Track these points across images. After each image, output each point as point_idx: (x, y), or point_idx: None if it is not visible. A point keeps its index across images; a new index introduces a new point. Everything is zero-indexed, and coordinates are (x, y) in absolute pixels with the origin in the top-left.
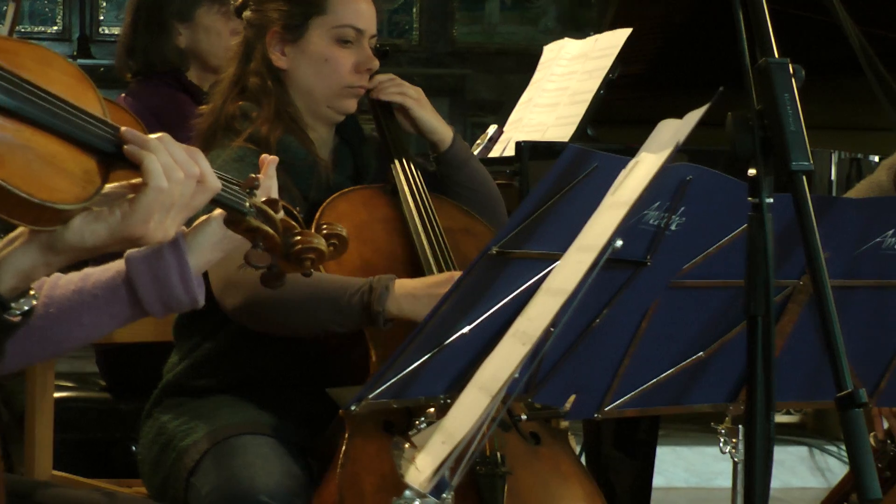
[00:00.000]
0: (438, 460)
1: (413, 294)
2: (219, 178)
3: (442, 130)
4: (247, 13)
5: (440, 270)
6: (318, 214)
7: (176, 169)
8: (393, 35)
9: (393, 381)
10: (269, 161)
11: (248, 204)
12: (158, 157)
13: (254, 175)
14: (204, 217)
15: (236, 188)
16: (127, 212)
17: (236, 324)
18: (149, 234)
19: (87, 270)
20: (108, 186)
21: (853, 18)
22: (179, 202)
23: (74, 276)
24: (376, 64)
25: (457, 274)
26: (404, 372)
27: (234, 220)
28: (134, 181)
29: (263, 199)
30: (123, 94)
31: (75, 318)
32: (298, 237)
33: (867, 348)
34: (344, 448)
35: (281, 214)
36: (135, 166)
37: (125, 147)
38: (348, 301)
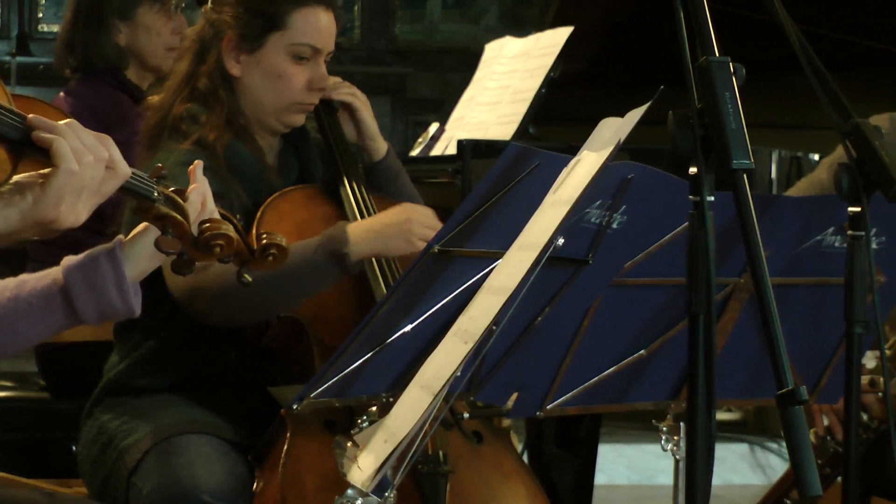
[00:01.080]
0: (381, 459)
1: (371, 229)
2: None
3: (379, 140)
4: (207, 9)
5: (381, 268)
6: (258, 214)
7: (85, 152)
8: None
9: (335, 379)
10: (197, 166)
11: (156, 192)
12: (68, 140)
13: (160, 164)
14: (141, 227)
15: (145, 177)
16: (38, 195)
17: (178, 322)
18: (60, 217)
19: (23, 277)
20: (18, 176)
21: (793, 18)
22: (90, 186)
23: (10, 283)
24: (329, 82)
25: (409, 206)
26: (346, 371)
27: (144, 207)
28: (43, 171)
29: (172, 188)
30: (62, 94)
31: (9, 325)
32: (207, 224)
33: (807, 345)
34: (286, 447)
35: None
36: (45, 154)
37: (34, 133)
38: (313, 259)
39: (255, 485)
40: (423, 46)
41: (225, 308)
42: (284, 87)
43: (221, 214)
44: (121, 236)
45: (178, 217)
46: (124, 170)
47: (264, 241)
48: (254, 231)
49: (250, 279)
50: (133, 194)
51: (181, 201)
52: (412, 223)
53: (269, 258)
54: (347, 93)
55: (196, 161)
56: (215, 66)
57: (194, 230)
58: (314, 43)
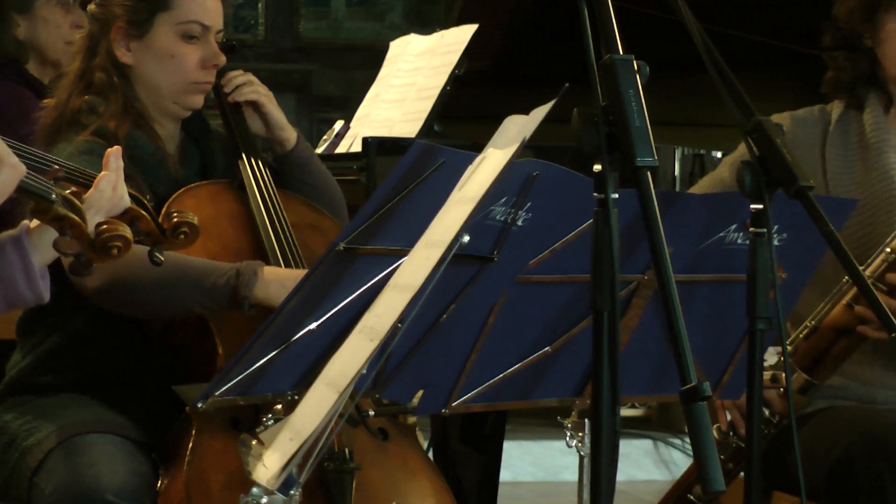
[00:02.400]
0: (286, 457)
1: (281, 281)
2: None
3: (288, 129)
4: (91, 7)
5: (287, 266)
6: (164, 209)
7: None
8: (239, 30)
9: (240, 377)
10: (111, 154)
11: (54, 194)
12: None
13: (58, 166)
14: None
15: (42, 178)
16: None
17: (82, 318)
18: None
19: None
20: None
21: (696, 16)
22: None
23: None
24: (223, 59)
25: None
26: (251, 369)
27: (41, 209)
28: None
29: (69, 189)
30: None
31: None
32: (105, 226)
33: (710, 342)
34: (190, 445)
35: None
36: None
37: None
38: (214, 283)
39: (159, 483)
40: (328, 44)
41: (112, 293)
42: (177, 67)
43: (132, 196)
44: (26, 221)
45: (76, 219)
46: (19, 165)
47: (175, 220)
48: (164, 210)
49: (163, 258)
50: (30, 195)
51: (79, 203)
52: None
53: (181, 237)
54: (249, 92)
55: (112, 149)
56: (107, 59)
57: (92, 232)
58: (201, 20)
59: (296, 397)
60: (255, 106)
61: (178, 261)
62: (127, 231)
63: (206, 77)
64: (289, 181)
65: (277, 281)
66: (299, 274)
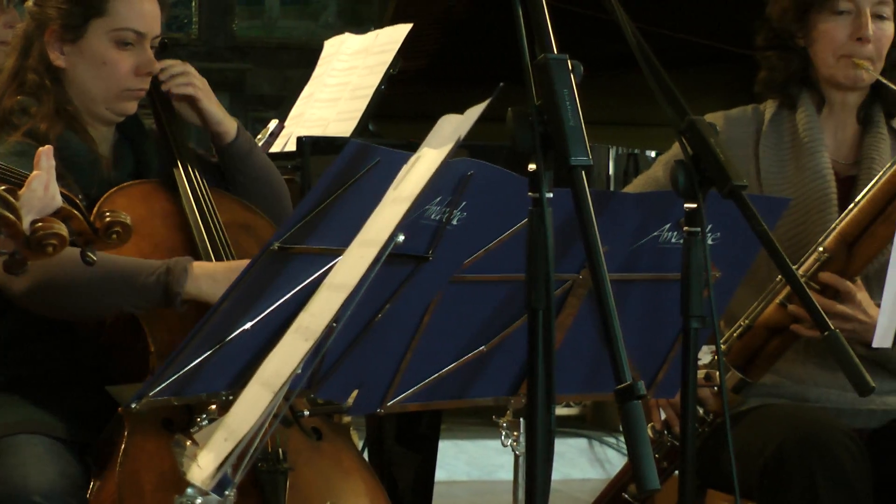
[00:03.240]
0: (220, 457)
1: (212, 276)
2: None
3: (227, 122)
4: (29, 4)
5: None
6: (96, 209)
7: None
8: (172, 29)
9: (173, 378)
10: (42, 153)
11: None
12: None
13: None
14: None
15: None
16: None
17: (12, 318)
18: None
19: None
20: None
21: (630, 15)
22: None
23: None
24: (157, 67)
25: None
26: (185, 369)
27: None
28: None
29: (2, 188)
30: None
31: None
32: (39, 223)
33: (645, 340)
34: (123, 446)
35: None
36: None
37: None
38: (145, 281)
39: (91, 484)
40: (262, 43)
41: (40, 294)
42: (110, 74)
43: (64, 196)
44: None
45: (11, 217)
46: None
47: (107, 219)
48: (96, 209)
49: (95, 258)
50: None
51: (13, 200)
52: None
53: (114, 236)
54: (182, 83)
55: (42, 149)
56: (40, 60)
57: (27, 230)
58: (136, 27)
59: (230, 397)
60: (190, 100)
61: (108, 261)
62: (63, 229)
63: (140, 84)
64: (230, 172)
65: (208, 276)
66: (230, 266)
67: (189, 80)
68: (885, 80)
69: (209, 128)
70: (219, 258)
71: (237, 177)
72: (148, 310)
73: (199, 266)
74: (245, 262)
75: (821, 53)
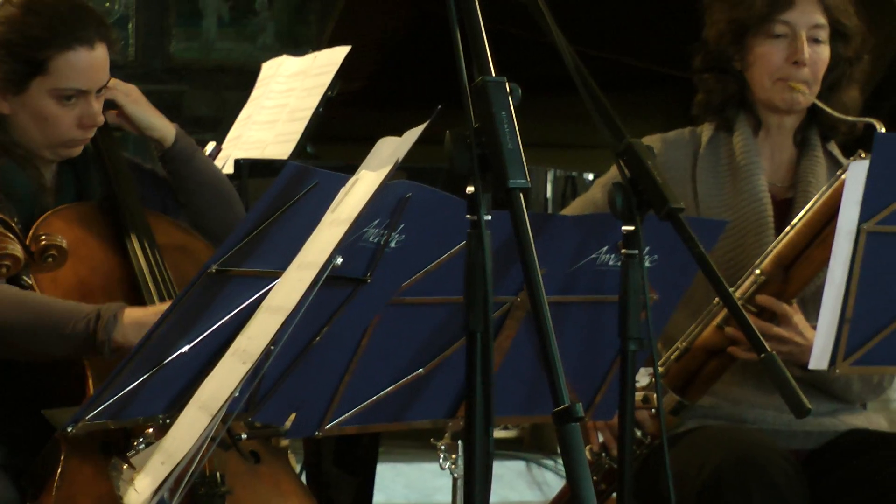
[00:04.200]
0: (158, 481)
1: (140, 322)
2: None
3: (162, 127)
4: None
5: (157, 288)
6: (31, 232)
7: None
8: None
9: (110, 401)
10: None
11: None
12: None
13: None
14: None
15: None
16: None
17: None
18: None
19: None
20: None
21: (568, 38)
22: None
23: None
24: (101, 119)
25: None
26: (122, 392)
27: None
28: None
29: None
30: None
31: None
32: None
33: (583, 363)
34: (60, 470)
35: None
36: None
37: None
38: (73, 328)
39: None
40: (200, 64)
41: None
42: (52, 129)
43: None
44: None
45: None
46: None
47: (43, 243)
48: (31, 233)
49: (31, 282)
50: None
51: None
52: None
53: (49, 259)
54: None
55: None
56: None
57: None
58: (79, 86)
59: (167, 421)
60: (119, 114)
61: (38, 304)
62: (18, 249)
63: (84, 135)
64: (177, 181)
65: (137, 325)
66: (160, 312)
67: (111, 88)
68: (820, 104)
69: (145, 135)
70: (155, 281)
71: (183, 183)
72: (75, 356)
73: (129, 314)
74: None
75: (757, 76)
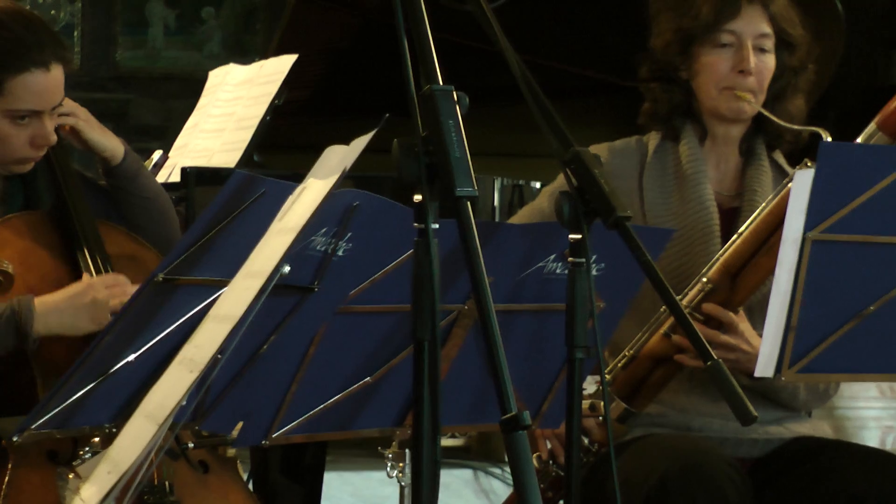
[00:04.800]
0: (104, 490)
1: (57, 308)
2: None
3: (112, 146)
4: None
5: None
6: None
7: None
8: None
9: (57, 410)
10: None
11: None
12: None
13: None
14: None
15: None
16: None
17: None
18: None
19: None
20: None
21: (514, 47)
22: None
23: None
24: (53, 139)
25: (93, 282)
26: (69, 401)
27: None
28: None
29: None
30: None
31: None
32: None
33: (530, 371)
34: (7, 479)
35: None
36: None
37: None
38: None
39: None
40: (146, 73)
41: None
42: (4, 148)
43: None
44: None
45: None
46: None
47: None
48: None
49: None
50: None
51: None
52: (97, 301)
53: None
54: (64, 114)
55: None
56: None
57: None
58: (33, 107)
59: (114, 430)
60: (71, 130)
61: None
62: None
63: (35, 154)
64: (118, 194)
65: (54, 310)
66: (70, 294)
67: (68, 110)
68: (766, 113)
69: (96, 154)
70: None
71: (126, 198)
72: (3, 353)
73: (41, 302)
74: (83, 287)
75: (704, 85)
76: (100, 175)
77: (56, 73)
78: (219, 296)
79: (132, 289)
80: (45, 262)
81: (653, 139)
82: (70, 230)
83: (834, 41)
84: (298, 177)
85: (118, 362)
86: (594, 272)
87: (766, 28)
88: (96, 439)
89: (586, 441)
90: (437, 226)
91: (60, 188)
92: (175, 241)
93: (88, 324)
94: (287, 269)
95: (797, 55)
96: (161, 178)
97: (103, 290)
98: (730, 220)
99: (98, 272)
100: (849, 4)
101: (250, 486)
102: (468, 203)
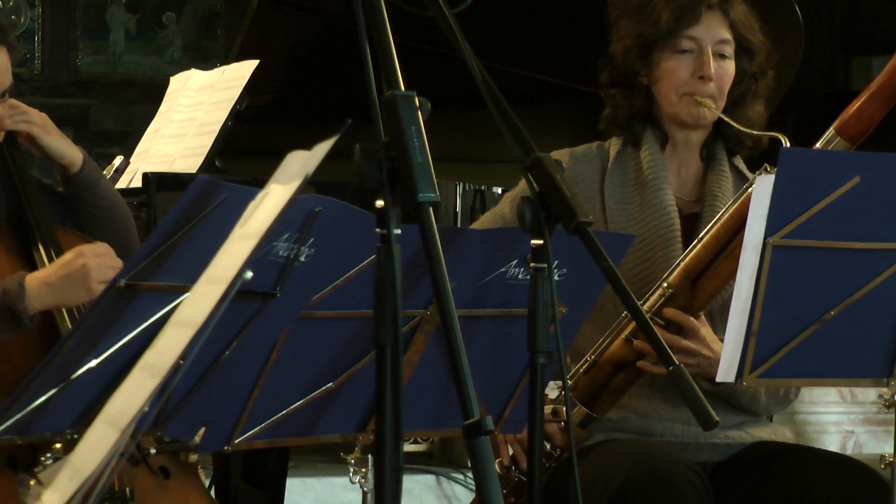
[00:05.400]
0: (65, 497)
1: (48, 283)
2: None
3: (71, 154)
4: None
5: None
6: None
7: None
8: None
9: (17, 416)
10: None
11: None
12: None
13: None
14: None
15: None
16: None
17: None
18: None
19: None
20: None
21: (476, 53)
22: None
23: None
24: (7, 123)
25: (83, 249)
26: (30, 407)
27: None
28: None
29: None
30: None
31: None
32: None
33: (492, 376)
34: None
35: None
36: None
37: None
38: None
39: None
40: (107, 78)
41: None
42: None
43: None
44: None
45: None
46: None
47: None
48: None
49: None
50: None
51: None
52: (88, 269)
53: None
54: (21, 120)
55: None
56: None
57: None
58: None
59: (75, 436)
60: (28, 137)
61: None
62: None
63: None
64: (76, 203)
65: (44, 285)
66: (61, 265)
67: (26, 117)
68: (726, 118)
69: (54, 162)
70: None
71: (83, 207)
72: (4, 337)
73: (31, 278)
74: (71, 256)
75: (664, 91)
76: (58, 182)
77: (3, 55)
78: (181, 301)
79: (120, 262)
80: (4, 268)
81: (614, 145)
82: (28, 236)
83: (793, 47)
84: (260, 182)
85: (80, 368)
86: (556, 277)
87: (726, 34)
88: (58, 445)
89: (548, 446)
90: (399, 231)
91: (19, 195)
92: (134, 250)
93: (82, 294)
94: (249, 274)
95: (756, 61)
96: (122, 183)
97: (93, 259)
98: (691, 226)
99: None
100: (808, 11)
101: (212, 492)
102: (430, 208)
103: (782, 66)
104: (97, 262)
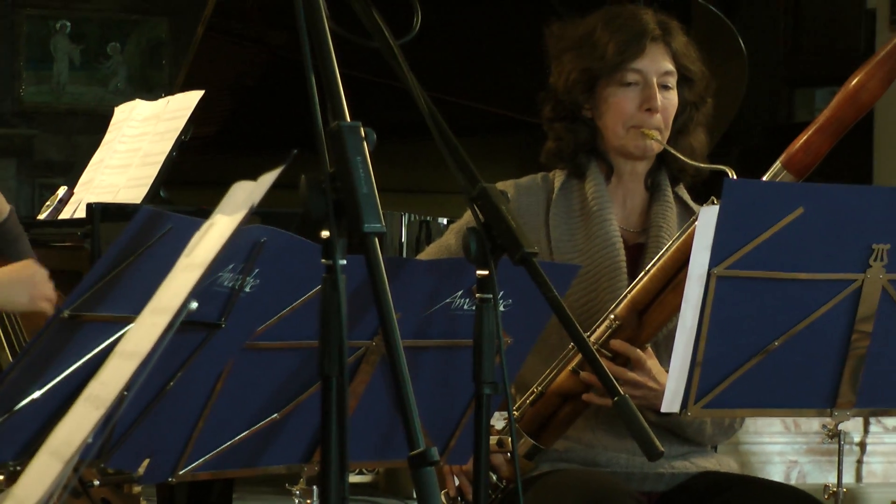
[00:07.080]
0: None
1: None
2: None
3: None
4: None
5: (6, 335)
6: None
7: None
8: None
9: None
10: None
11: None
12: None
13: None
14: None
15: None
16: None
17: None
18: None
19: None
20: None
21: (421, 83)
22: None
23: None
24: None
25: (32, 263)
26: None
27: None
28: None
29: None
30: None
31: None
32: None
33: (438, 407)
34: None
35: None
36: None
37: None
38: None
39: None
40: (50, 108)
41: None
42: None
43: None
44: None
45: None
46: None
47: None
48: None
49: None
50: None
51: None
52: (36, 280)
53: None
54: None
55: None
56: None
57: None
58: None
59: (18, 468)
60: None
61: None
62: None
63: None
64: None
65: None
66: (14, 268)
67: None
68: (672, 150)
69: None
70: (4, 328)
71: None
72: None
73: None
74: (18, 266)
75: (610, 124)
76: None
77: None
78: (125, 332)
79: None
80: None
81: (558, 176)
82: None
83: (737, 79)
84: (205, 213)
85: (23, 399)
86: (501, 308)
87: (669, 65)
88: (0, 477)
89: (494, 477)
90: (344, 262)
91: None
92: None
93: (24, 300)
94: (194, 305)
95: (696, 90)
96: (66, 213)
97: (42, 273)
98: (636, 256)
99: None
100: (752, 44)
101: None
102: (376, 239)
103: (726, 97)
104: (44, 277)
